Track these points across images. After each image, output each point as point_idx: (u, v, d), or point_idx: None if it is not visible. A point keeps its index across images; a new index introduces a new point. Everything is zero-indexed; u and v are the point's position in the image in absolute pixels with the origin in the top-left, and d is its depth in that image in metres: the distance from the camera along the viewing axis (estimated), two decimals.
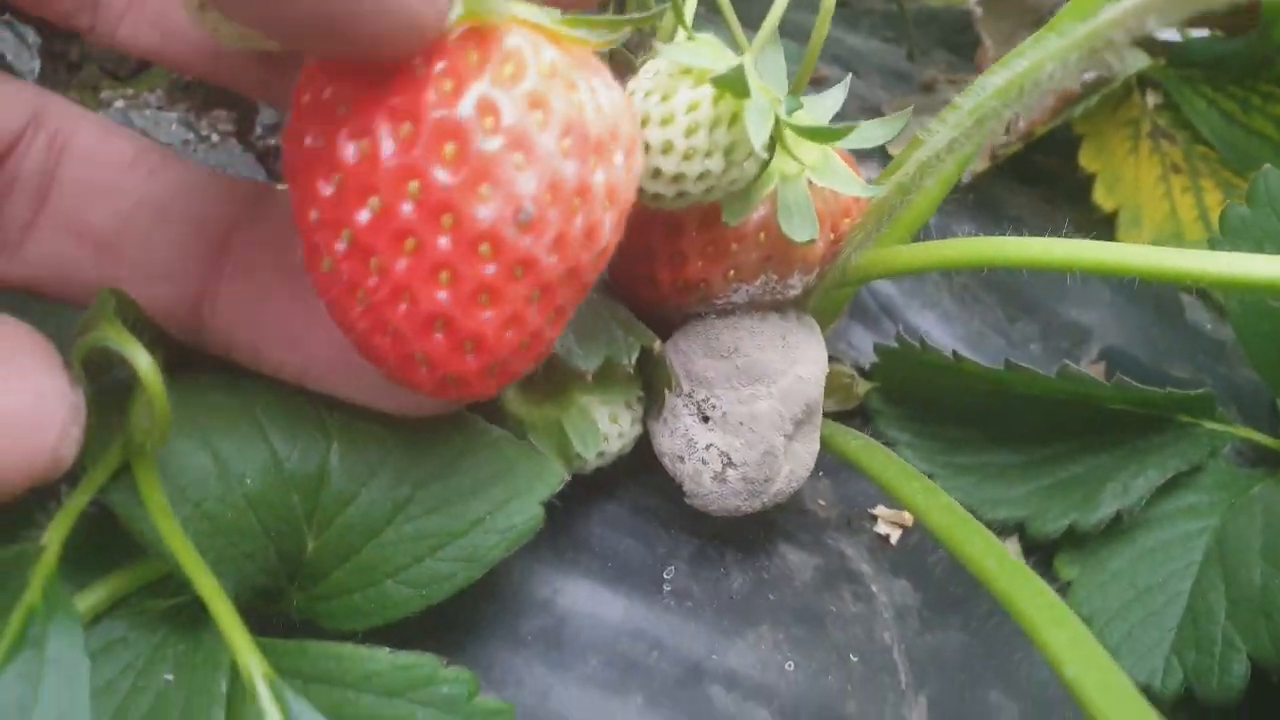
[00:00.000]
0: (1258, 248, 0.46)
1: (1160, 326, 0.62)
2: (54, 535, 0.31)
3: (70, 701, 0.27)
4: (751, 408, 0.43)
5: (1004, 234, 0.54)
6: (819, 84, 0.46)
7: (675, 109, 0.36)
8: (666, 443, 0.44)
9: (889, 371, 0.53)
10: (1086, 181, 0.65)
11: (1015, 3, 0.69)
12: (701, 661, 0.42)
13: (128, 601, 0.34)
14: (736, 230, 0.41)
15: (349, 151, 0.27)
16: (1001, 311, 0.60)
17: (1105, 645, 0.45)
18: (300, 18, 0.25)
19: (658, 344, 0.42)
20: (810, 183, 0.39)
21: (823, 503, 0.50)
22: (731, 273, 0.42)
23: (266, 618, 0.36)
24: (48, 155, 0.34)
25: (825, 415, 0.50)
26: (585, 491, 0.45)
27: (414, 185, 0.27)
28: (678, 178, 0.36)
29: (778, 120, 0.36)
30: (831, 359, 0.56)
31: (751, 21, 0.37)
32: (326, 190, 0.28)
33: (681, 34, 0.37)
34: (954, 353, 0.48)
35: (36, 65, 0.60)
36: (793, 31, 0.46)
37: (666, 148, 0.36)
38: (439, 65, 0.27)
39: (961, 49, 0.80)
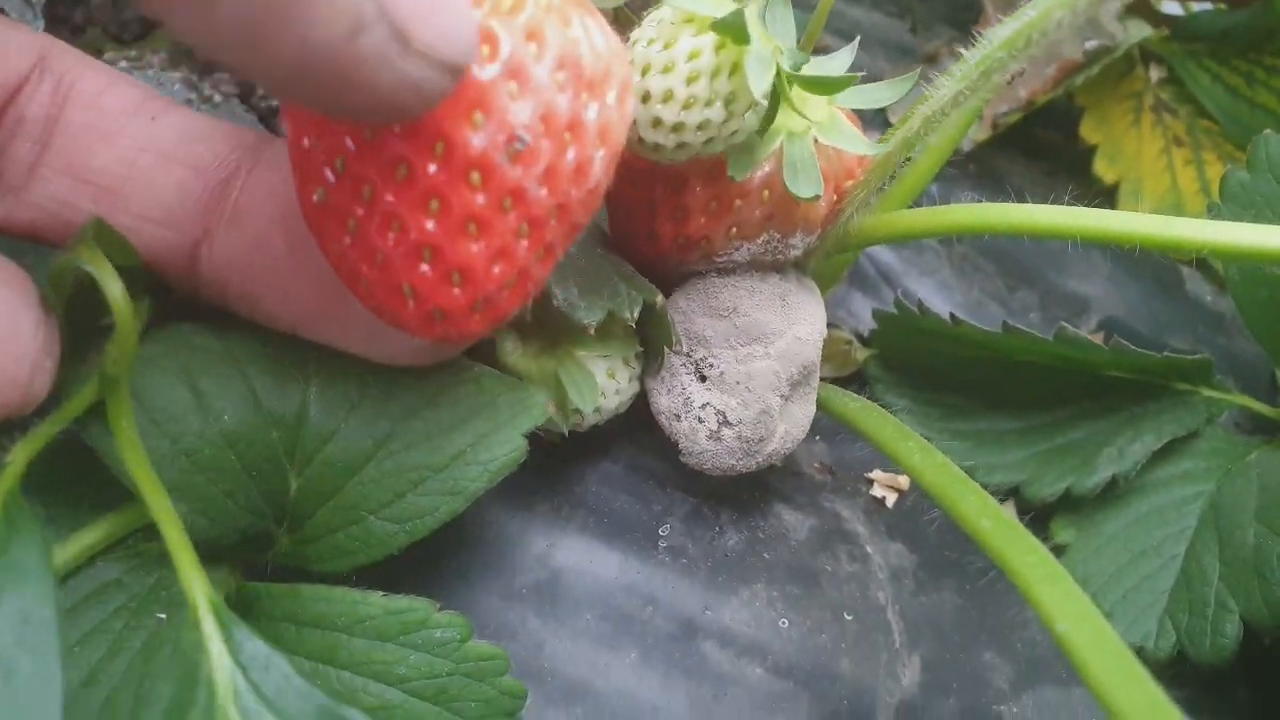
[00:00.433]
0: (1258, 213, 0.46)
1: (1160, 298, 0.62)
2: (20, 455, 0.31)
3: (34, 599, 0.27)
4: (749, 367, 0.43)
5: None
6: (823, 54, 0.45)
7: (676, 56, 0.36)
8: (663, 400, 0.44)
9: (887, 338, 0.53)
10: (1088, 154, 0.65)
11: None
12: (695, 618, 0.42)
13: (124, 544, 0.34)
14: (741, 186, 0.40)
15: None
16: (1001, 281, 0.60)
17: (1100, 608, 0.45)
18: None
19: (660, 299, 0.42)
20: (816, 141, 0.39)
21: (819, 465, 0.50)
22: (734, 230, 0.42)
23: (259, 568, 0.37)
24: (52, 99, 0.35)
25: (823, 381, 0.50)
26: (583, 449, 0.45)
27: None
28: (678, 127, 0.36)
29: (781, 72, 0.36)
30: (831, 326, 0.56)
31: None
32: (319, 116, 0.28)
33: None
34: (951, 315, 0.48)
35: (40, 27, 0.60)
36: (798, 2, 0.46)
37: (667, 96, 0.36)
38: None
39: (965, 25, 0.80)
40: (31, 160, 0.35)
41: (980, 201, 0.62)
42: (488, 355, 0.40)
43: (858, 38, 0.43)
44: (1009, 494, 0.49)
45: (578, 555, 0.43)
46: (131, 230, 0.34)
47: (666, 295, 0.45)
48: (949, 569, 0.47)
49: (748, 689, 0.41)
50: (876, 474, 0.51)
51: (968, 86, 0.38)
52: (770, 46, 0.36)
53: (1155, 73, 0.68)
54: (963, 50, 0.39)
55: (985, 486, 0.48)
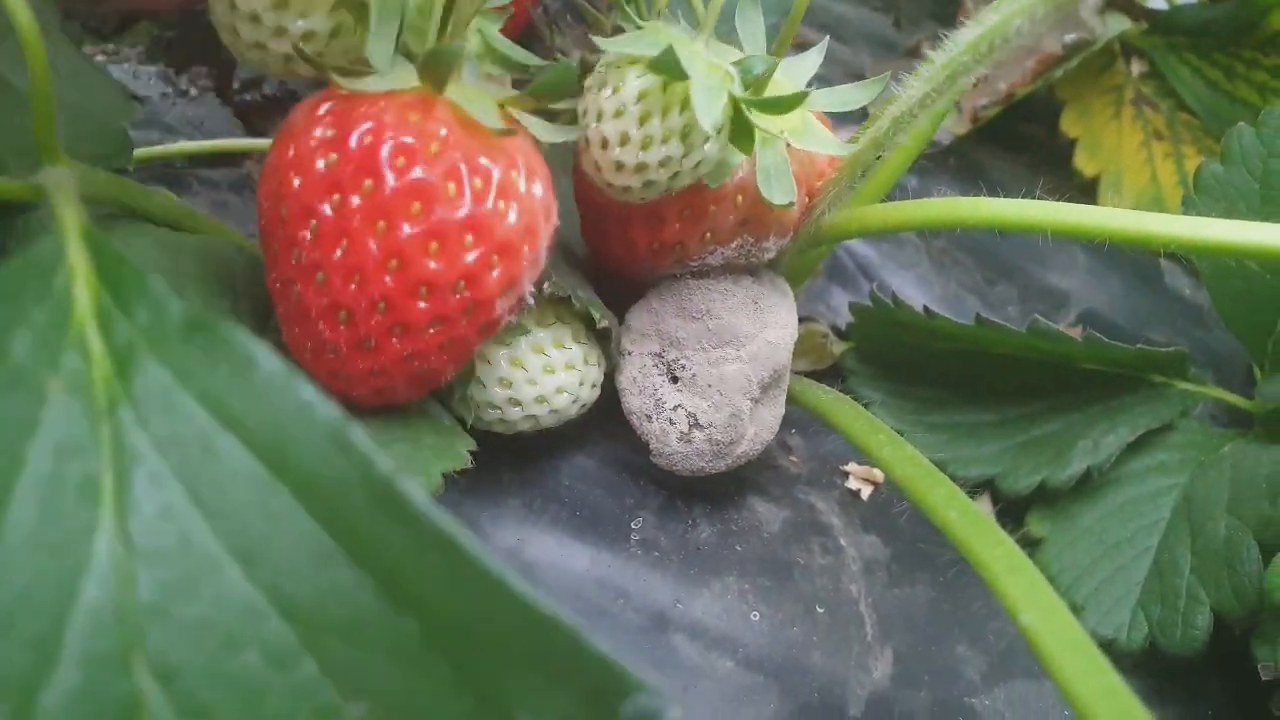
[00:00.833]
0: (1231, 206, 0.46)
1: (1140, 291, 0.62)
2: None
3: None
4: (720, 370, 0.43)
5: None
6: (803, 48, 0.45)
7: (625, 100, 0.36)
8: (635, 401, 0.44)
9: (864, 330, 0.53)
10: (1068, 147, 0.65)
11: None
12: (666, 610, 0.42)
13: None
14: (715, 193, 0.40)
15: None
16: (980, 275, 0.60)
17: (1075, 600, 0.46)
18: None
19: (608, 322, 0.42)
20: (788, 146, 0.39)
21: (794, 459, 0.50)
22: (708, 235, 0.42)
23: None
24: None
25: (799, 374, 0.50)
26: (556, 443, 0.45)
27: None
28: (640, 168, 0.36)
29: (732, 98, 0.36)
30: (808, 319, 0.56)
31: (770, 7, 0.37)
32: None
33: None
34: (925, 309, 0.48)
35: None
36: None
37: (623, 139, 0.36)
38: None
39: (950, 19, 0.80)
40: None
41: (957, 196, 0.62)
42: None
43: (826, 38, 0.43)
44: (984, 487, 0.49)
45: (549, 549, 0.43)
46: None
47: (641, 298, 0.45)
48: (922, 561, 0.47)
49: (718, 681, 0.41)
50: (852, 467, 0.51)
51: (935, 89, 0.38)
52: (717, 75, 0.35)
53: (1136, 67, 0.68)
54: (929, 52, 0.39)
55: (960, 479, 0.48)
